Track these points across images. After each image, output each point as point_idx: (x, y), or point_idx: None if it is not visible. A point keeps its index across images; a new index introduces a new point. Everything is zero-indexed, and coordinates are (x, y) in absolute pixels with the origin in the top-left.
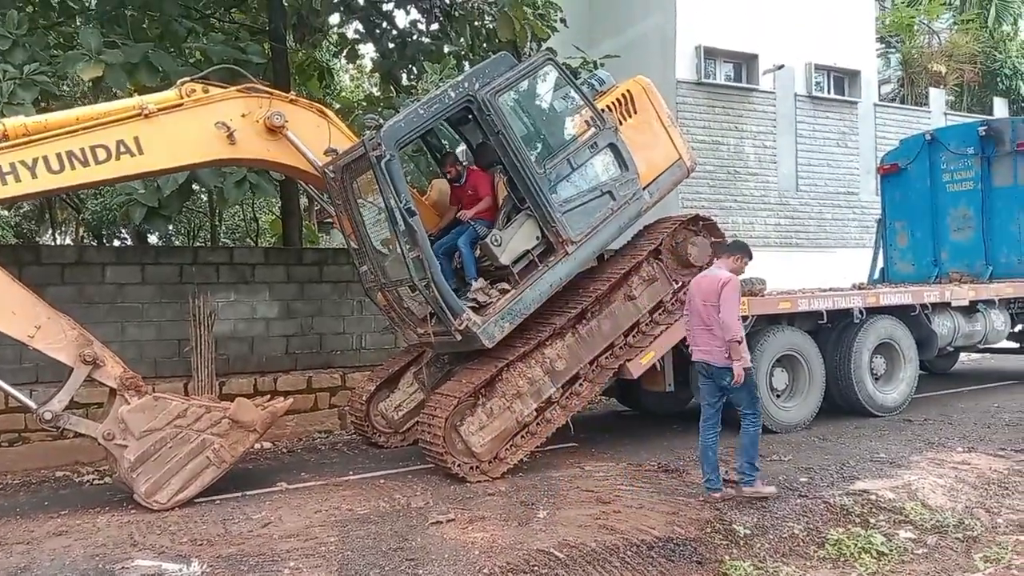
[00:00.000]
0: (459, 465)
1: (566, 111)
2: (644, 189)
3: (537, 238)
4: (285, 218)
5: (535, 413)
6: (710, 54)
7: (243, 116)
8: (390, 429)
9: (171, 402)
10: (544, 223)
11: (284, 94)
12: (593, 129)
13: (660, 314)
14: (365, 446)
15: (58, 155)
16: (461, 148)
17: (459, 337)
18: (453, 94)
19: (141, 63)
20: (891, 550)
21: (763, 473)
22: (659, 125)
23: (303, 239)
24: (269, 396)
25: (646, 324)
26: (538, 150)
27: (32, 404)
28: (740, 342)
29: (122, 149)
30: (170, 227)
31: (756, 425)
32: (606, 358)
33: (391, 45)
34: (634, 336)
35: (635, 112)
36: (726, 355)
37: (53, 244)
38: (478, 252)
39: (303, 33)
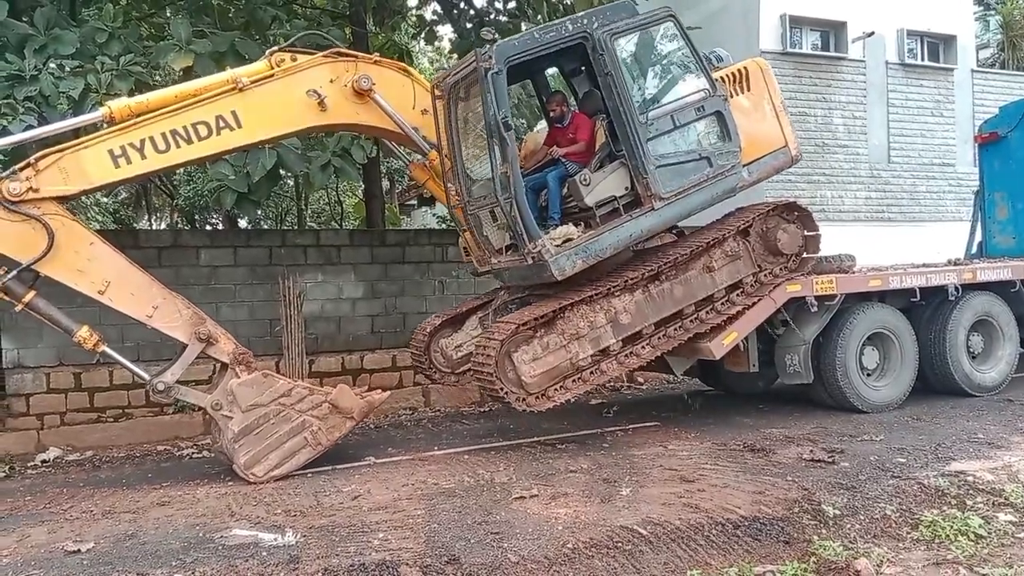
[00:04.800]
0: (506, 392)
1: (678, 70)
2: (744, 167)
3: (626, 188)
4: (368, 201)
5: (590, 360)
6: (796, 22)
7: (331, 82)
8: (447, 368)
9: (278, 380)
10: (636, 174)
11: (368, 56)
12: (702, 93)
13: (738, 295)
14: (449, 422)
15: (163, 135)
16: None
17: (530, 261)
18: (571, 26)
19: (228, 51)
20: (989, 533)
21: (855, 453)
22: (770, 108)
23: (385, 221)
24: (363, 381)
25: (721, 303)
26: (643, 100)
27: (146, 376)
28: None
29: (222, 124)
30: (259, 211)
31: None
32: (674, 329)
33: (468, 25)
34: (707, 312)
35: (748, 90)
36: None
37: (150, 229)
38: (565, 190)
39: (382, 16)
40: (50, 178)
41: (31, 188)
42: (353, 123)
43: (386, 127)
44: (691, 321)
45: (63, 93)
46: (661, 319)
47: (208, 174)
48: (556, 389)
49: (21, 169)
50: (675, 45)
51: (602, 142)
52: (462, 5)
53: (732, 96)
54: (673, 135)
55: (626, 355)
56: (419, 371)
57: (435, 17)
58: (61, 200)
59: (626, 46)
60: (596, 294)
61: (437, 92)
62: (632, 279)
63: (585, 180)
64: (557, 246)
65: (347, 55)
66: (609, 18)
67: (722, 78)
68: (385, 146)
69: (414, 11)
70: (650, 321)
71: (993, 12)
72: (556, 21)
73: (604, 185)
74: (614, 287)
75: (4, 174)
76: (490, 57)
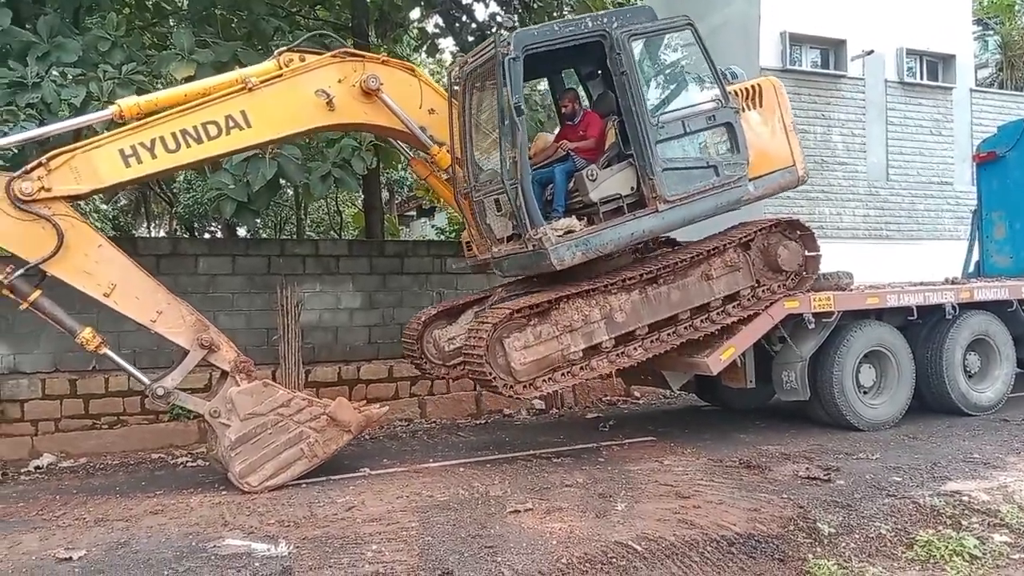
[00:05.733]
0: (494, 377)
1: (692, 77)
2: (751, 181)
3: (632, 188)
4: (367, 211)
5: (581, 354)
6: (795, 40)
7: (339, 82)
8: (439, 360)
9: (278, 390)
10: (643, 175)
11: (376, 55)
12: (715, 103)
13: (734, 307)
14: (444, 434)
15: (173, 134)
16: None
17: (531, 248)
18: (590, 23)
19: (231, 61)
20: (985, 553)
21: (851, 471)
22: (780, 127)
23: (384, 232)
24: (359, 391)
25: (717, 313)
26: (656, 102)
27: (146, 380)
28: None
29: (231, 123)
30: (258, 220)
31: None
32: (668, 333)
33: (470, 38)
34: (702, 320)
35: (760, 106)
36: None
37: (149, 236)
38: (571, 185)
39: (385, 29)
40: (62, 177)
41: (43, 187)
42: (361, 123)
43: (393, 126)
44: (685, 327)
45: (65, 100)
46: (655, 322)
47: (208, 183)
48: (544, 380)
49: (32, 169)
50: (691, 53)
51: (611, 142)
52: (464, 19)
53: (744, 111)
54: (683, 141)
55: (618, 354)
56: (410, 361)
57: (437, 30)
58: (71, 200)
59: (643, 48)
60: (593, 289)
61: (454, 78)
62: (630, 279)
63: (592, 175)
64: (559, 236)
65: (355, 55)
66: (628, 20)
67: (735, 92)
68: (385, 157)
69: (416, 24)
70: (644, 322)
71: (992, 32)
72: (576, 17)
73: (610, 183)
74: (611, 284)
75: (16, 173)
76: (508, 43)
